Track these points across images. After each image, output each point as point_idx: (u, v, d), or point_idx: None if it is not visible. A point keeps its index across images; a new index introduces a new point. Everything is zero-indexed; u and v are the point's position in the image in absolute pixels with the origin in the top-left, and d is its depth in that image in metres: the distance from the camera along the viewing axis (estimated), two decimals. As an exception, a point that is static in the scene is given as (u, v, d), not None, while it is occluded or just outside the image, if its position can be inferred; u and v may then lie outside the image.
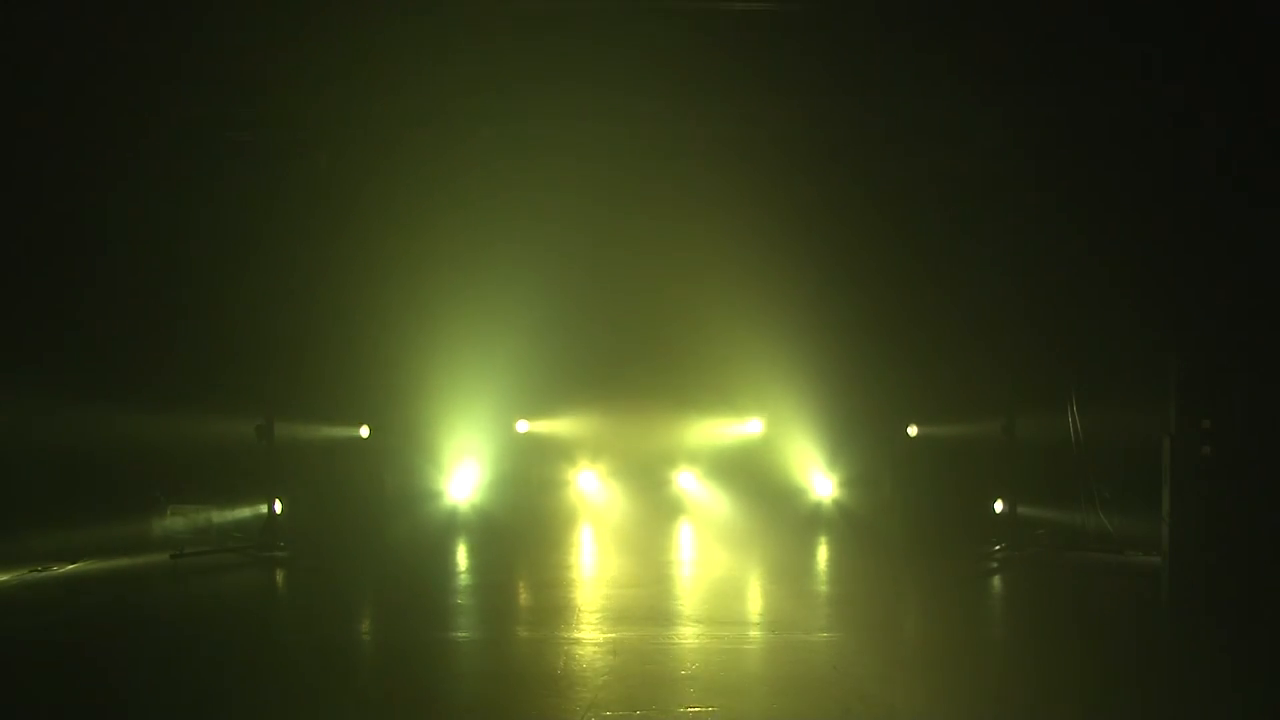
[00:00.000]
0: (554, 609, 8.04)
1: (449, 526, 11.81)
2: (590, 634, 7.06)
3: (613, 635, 6.99)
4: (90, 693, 5.83)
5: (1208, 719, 5.58)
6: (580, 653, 6.59)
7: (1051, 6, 8.17)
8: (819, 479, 12.48)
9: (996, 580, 8.96)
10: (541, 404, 13.00)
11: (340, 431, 11.68)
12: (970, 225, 10.95)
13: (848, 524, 11.90)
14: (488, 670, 6.48)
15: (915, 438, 12.05)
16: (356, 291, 12.11)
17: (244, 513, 10.62)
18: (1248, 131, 8.13)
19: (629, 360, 13.04)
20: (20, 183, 9.56)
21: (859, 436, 12.29)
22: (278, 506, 9.96)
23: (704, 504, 12.73)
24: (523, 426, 13.11)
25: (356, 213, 11.51)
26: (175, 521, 10.34)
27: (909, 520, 11.44)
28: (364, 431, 11.89)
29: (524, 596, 8.82)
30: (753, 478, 12.77)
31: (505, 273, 12.67)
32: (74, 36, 8.28)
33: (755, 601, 8.48)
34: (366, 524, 11.32)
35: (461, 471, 12.47)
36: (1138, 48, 8.24)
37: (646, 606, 7.89)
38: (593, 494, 13.09)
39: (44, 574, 8.74)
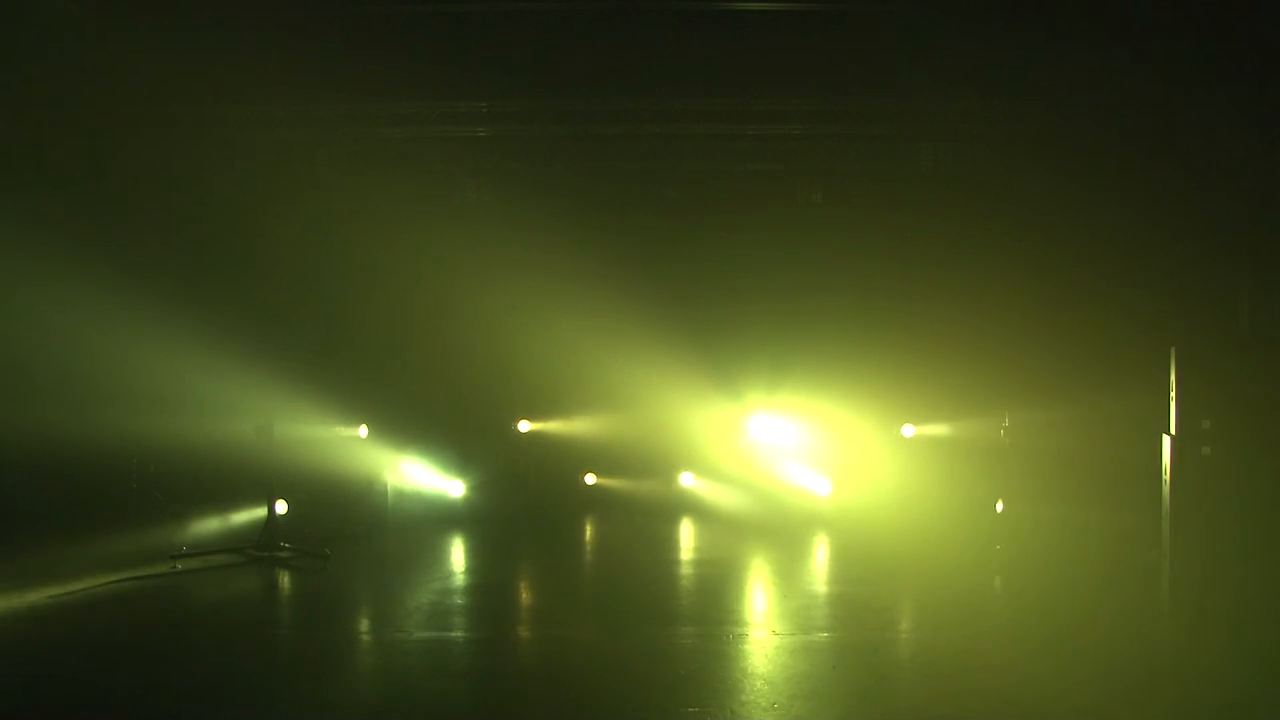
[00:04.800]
0: (575, 608, 8.05)
1: (450, 526, 11.81)
2: (586, 635, 7.07)
3: (610, 637, 7.00)
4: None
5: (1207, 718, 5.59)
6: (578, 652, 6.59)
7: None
8: (819, 478, 12.48)
9: (996, 580, 8.98)
10: (544, 404, 12.99)
11: (339, 431, 11.66)
12: (970, 224, 10.97)
13: (848, 524, 11.91)
14: (501, 671, 6.49)
15: (914, 438, 12.04)
16: (356, 292, 12.14)
17: (244, 514, 10.62)
18: (1247, 128, 8.15)
19: (630, 360, 13.04)
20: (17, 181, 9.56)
21: (858, 436, 12.27)
22: (279, 507, 9.95)
23: (706, 503, 12.71)
24: (524, 426, 13.10)
25: (357, 213, 11.53)
26: (176, 523, 10.33)
27: (909, 520, 11.43)
28: (363, 431, 11.88)
29: (544, 597, 8.85)
30: (753, 476, 12.76)
31: (507, 272, 12.69)
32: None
33: (761, 603, 8.50)
34: (367, 524, 11.31)
35: (462, 471, 12.46)
36: (1131, 45, 8.26)
37: (650, 607, 7.91)
38: (596, 493, 13.07)
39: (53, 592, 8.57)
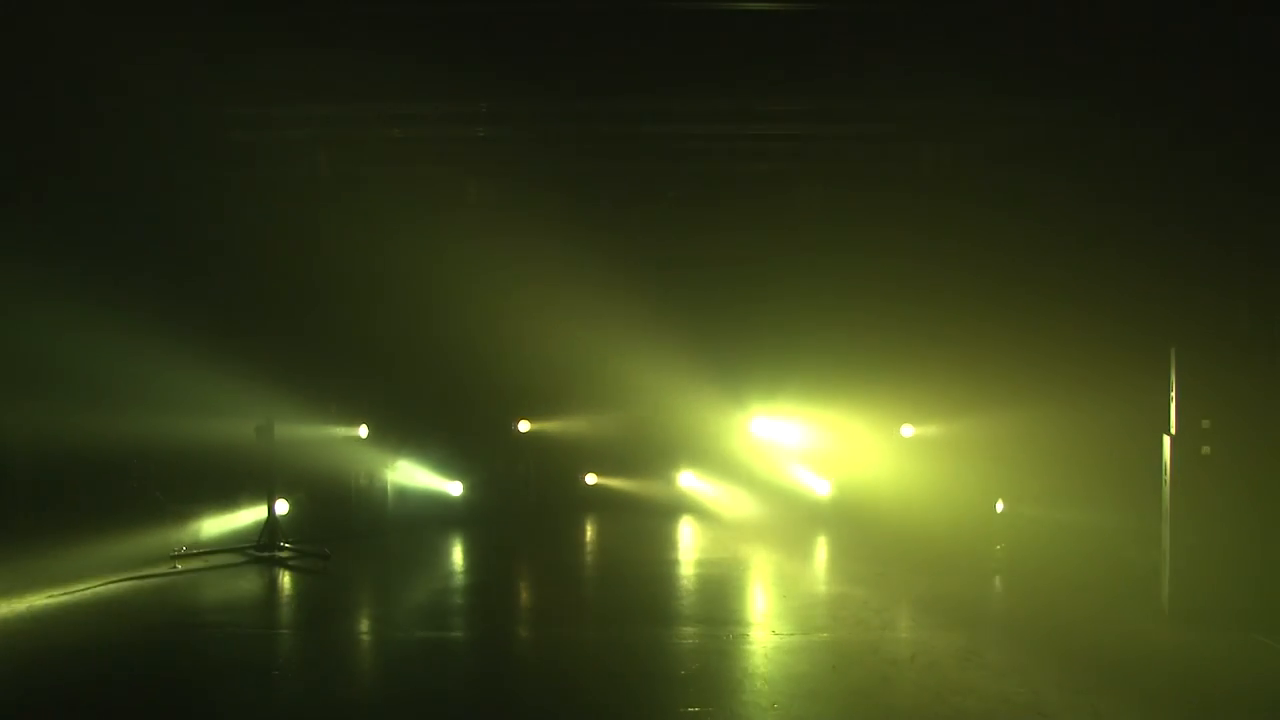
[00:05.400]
0: (575, 608, 8.06)
1: (450, 526, 11.82)
2: (586, 635, 7.07)
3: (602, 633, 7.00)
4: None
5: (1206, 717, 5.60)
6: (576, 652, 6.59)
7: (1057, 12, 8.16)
8: (819, 478, 12.48)
9: (996, 580, 8.99)
10: (543, 404, 12.99)
11: (339, 431, 11.66)
12: (970, 224, 10.96)
13: (848, 524, 11.93)
14: (501, 671, 6.49)
15: (914, 438, 12.03)
16: (356, 291, 12.14)
17: (244, 513, 10.63)
18: (1247, 128, 8.14)
19: (630, 359, 13.04)
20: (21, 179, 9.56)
21: (858, 436, 12.26)
22: (279, 507, 9.95)
23: (706, 503, 12.72)
24: (524, 426, 13.10)
25: (357, 213, 11.54)
26: (176, 523, 10.33)
27: (909, 519, 11.43)
28: (363, 431, 11.88)
29: (544, 597, 8.85)
30: (753, 476, 12.76)
31: (506, 273, 12.69)
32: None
33: (762, 604, 8.50)
34: (367, 524, 11.32)
35: (462, 471, 12.46)
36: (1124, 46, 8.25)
37: (650, 607, 7.91)
38: (596, 493, 13.08)
39: (54, 592, 8.42)
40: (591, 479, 13.11)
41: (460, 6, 8.47)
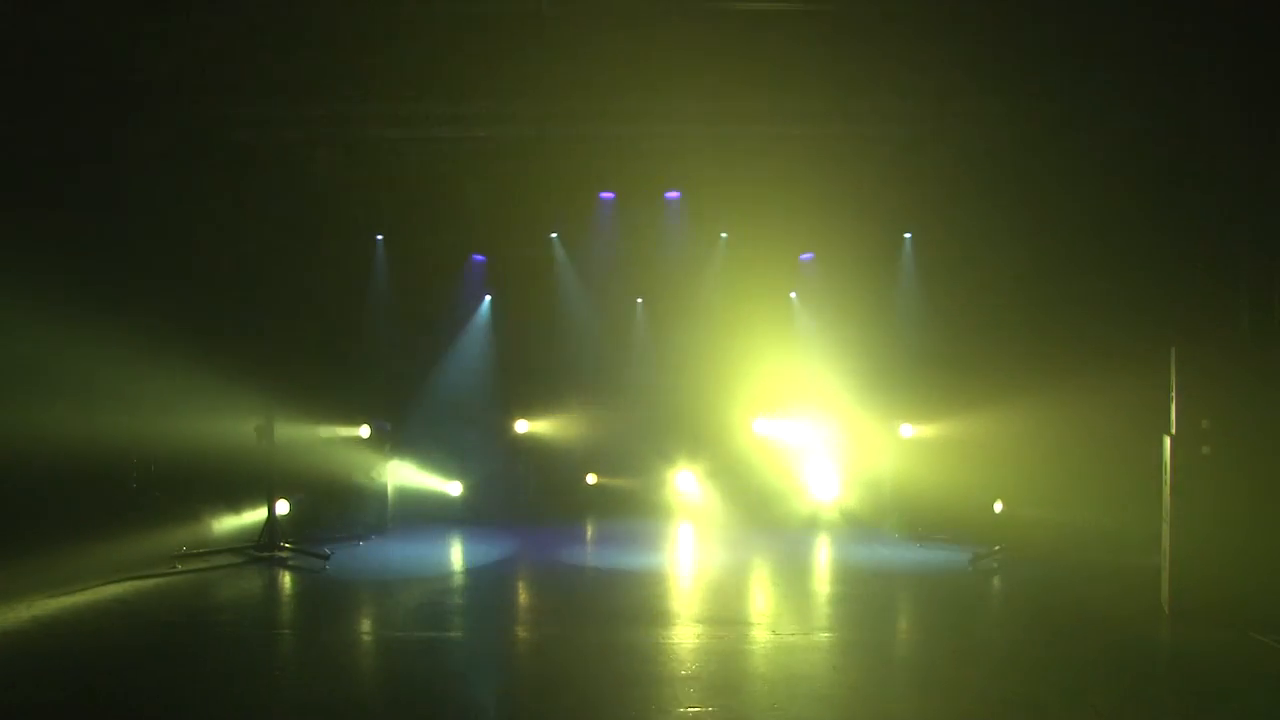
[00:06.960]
0: (575, 608, 8.04)
1: (450, 526, 11.82)
2: (586, 635, 7.08)
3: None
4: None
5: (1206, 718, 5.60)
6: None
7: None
8: (818, 480, 12.47)
9: (996, 580, 8.99)
10: (543, 404, 12.99)
11: (339, 431, 11.65)
12: (971, 224, 10.98)
13: (848, 524, 11.94)
14: (500, 671, 6.49)
15: (913, 439, 12.02)
16: (357, 292, 12.15)
17: (244, 514, 10.62)
18: (1247, 129, 8.15)
19: (631, 360, 13.07)
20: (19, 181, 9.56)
21: (858, 436, 12.26)
22: (279, 507, 9.95)
23: (705, 505, 12.72)
24: (523, 426, 13.10)
25: (359, 213, 11.55)
26: (176, 523, 10.32)
27: (907, 520, 11.42)
28: (363, 431, 11.87)
29: (544, 597, 8.86)
30: (752, 478, 12.76)
31: (504, 273, 12.71)
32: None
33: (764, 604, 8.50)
34: (367, 524, 11.31)
35: (462, 471, 12.46)
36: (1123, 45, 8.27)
37: (650, 607, 7.91)
38: (597, 493, 13.07)
39: (54, 594, 8.32)
40: (592, 479, 13.11)
41: (458, 7, 8.48)
